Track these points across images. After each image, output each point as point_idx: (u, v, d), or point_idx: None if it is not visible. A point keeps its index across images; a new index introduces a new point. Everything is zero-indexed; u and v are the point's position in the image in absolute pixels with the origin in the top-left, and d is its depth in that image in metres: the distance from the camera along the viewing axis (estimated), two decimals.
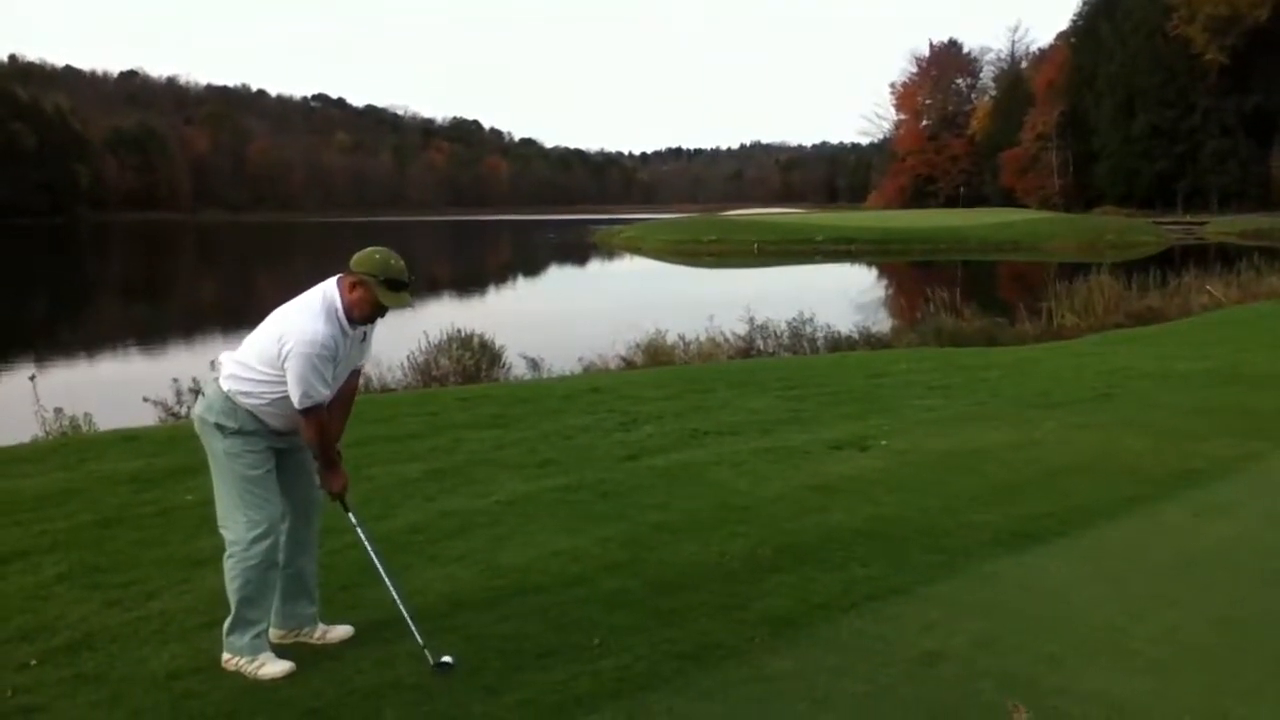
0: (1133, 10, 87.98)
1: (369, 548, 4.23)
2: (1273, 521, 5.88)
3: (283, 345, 3.90)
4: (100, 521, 5.89)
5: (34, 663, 4.01)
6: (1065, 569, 5.06)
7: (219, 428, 3.99)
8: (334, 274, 4.08)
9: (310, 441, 4.09)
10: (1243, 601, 4.64)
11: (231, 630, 3.97)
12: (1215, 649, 4.15)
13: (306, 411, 3.94)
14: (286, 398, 3.93)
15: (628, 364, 14.23)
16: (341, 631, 4.28)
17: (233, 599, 3.96)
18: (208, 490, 6.36)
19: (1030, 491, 6.45)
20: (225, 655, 3.98)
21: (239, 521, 3.97)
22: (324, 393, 3.96)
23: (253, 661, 3.93)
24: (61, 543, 5.50)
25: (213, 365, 4.18)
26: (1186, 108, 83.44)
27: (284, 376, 3.91)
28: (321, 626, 4.27)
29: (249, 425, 3.99)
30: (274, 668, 3.93)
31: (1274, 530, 5.71)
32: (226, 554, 4.00)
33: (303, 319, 3.93)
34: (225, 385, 4.00)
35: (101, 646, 4.17)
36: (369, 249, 4.02)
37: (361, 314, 4.02)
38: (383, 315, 4.08)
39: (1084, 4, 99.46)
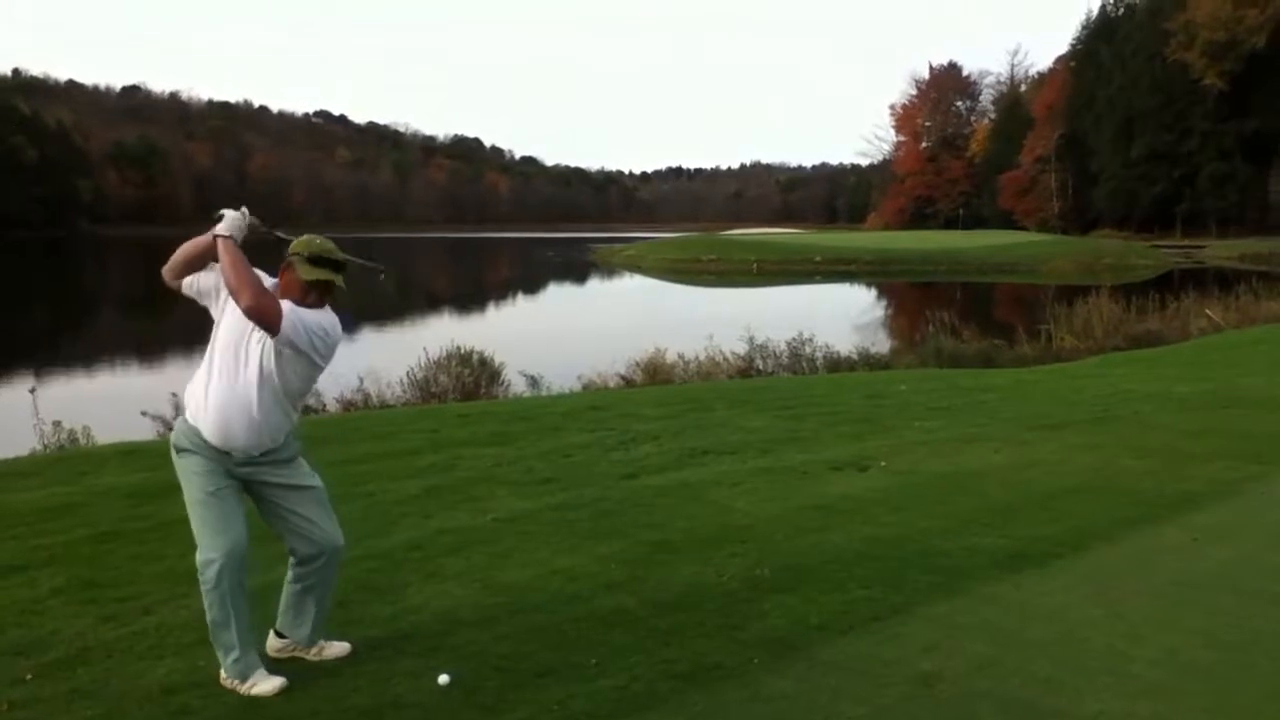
0: (1132, 34, 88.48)
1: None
2: (1272, 544, 5.86)
3: None
4: (97, 536, 5.88)
5: (30, 677, 4.00)
6: (1064, 591, 5.04)
7: (174, 448, 3.99)
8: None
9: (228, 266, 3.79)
10: (1243, 624, 4.63)
11: (218, 651, 3.94)
12: (1216, 671, 4.14)
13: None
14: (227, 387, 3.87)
15: (627, 382, 14.25)
16: (338, 649, 4.25)
17: (209, 621, 3.92)
18: None
19: (1029, 513, 6.45)
20: (223, 673, 3.96)
21: (200, 545, 3.89)
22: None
23: (244, 682, 3.90)
24: (58, 556, 5.49)
25: None
26: (1185, 132, 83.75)
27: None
28: (319, 643, 4.25)
29: (186, 444, 3.93)
30: (265, 685, 3.89)
31: (1274, 553, 5.69)
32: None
33: None
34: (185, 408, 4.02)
35: (98, 661, 4.15)
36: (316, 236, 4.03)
37: (290, 298, 3.92)
38: (318, 300, 3.96)
39: (1083, 28, 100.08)
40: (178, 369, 19.32)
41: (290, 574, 4.17)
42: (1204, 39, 79.47)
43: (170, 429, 10.38)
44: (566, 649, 4.30)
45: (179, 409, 10.58)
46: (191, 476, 3.91)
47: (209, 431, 3.88)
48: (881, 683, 4.01)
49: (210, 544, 3.85)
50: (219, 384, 3.88)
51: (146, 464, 7.76)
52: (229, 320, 3.91)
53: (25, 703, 3.79)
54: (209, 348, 3.97)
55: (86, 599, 4.84)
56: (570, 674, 4.06)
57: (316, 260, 3.94)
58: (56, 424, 9.96)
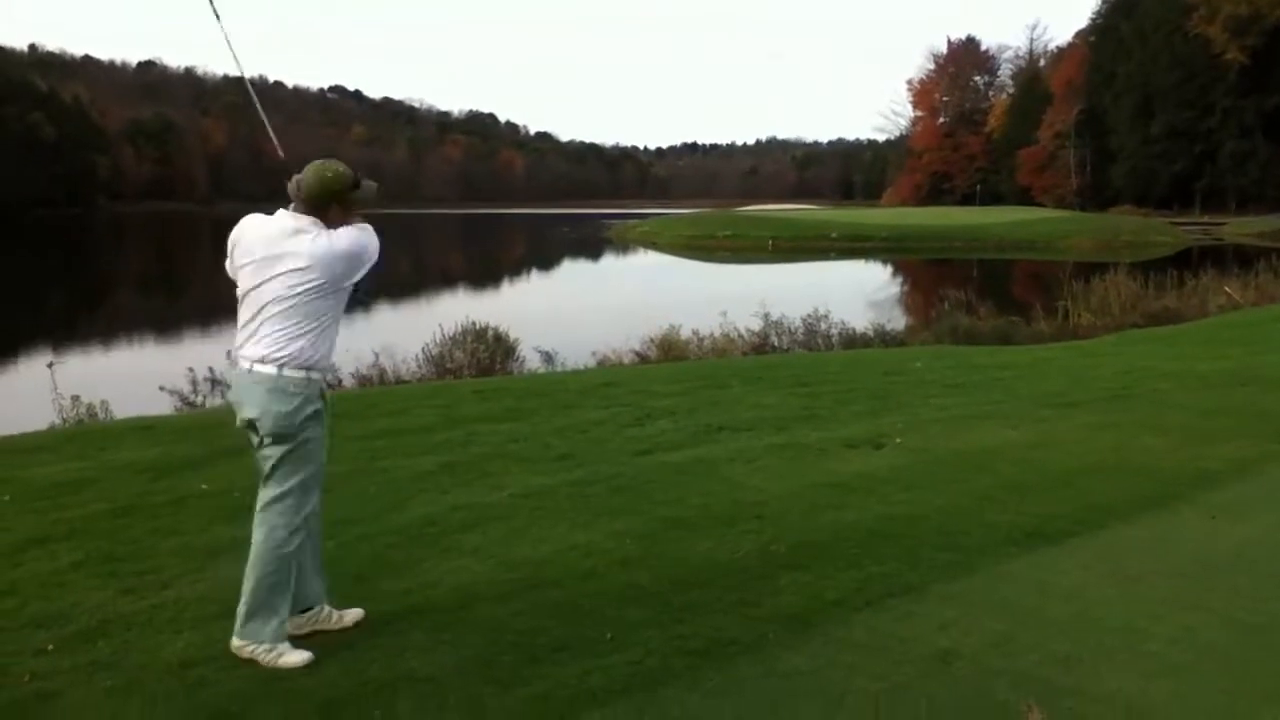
0: (1152, 9, 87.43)
1: None
2: None
3: (329, 243, 3.90)
4: (116, 510, 5.92)
5: (50, 649, 4.04)
6: (1081, 569, 5.02)
7: (314, 417, 3.98)
8: None
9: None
10: (1261, 604, 4.60)
11: (254, 617, 3.92)
12: (1233, 651, 4.12)
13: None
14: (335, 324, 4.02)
15: (641, 358, 14.24)
16: (354, 614, 4.30)
17: (263, 586, 3.92)
18: (222, 480, 6.43)
19: (1046, 491, 6.42)
20: (239, 642, 3.95)
21: (297, 510, 3.97)
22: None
23: (272, 650, 3.91)
24: (78, 530, 5.53)
25: (249, 379, 3.94)
26: (1205, 108, 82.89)
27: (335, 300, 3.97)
28: (336, 612, 4.27)
29: (318, 402, 4.01)
30: (293, 657, 3.91)
31: None
32: (265, 542, 3.94)
33: (324, 235, 3.95)
34: (291, 370, 3.90)
35: (117, 634, 4.19)
36: (313, 169, 4.00)
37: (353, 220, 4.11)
38: None
39: (1103, 2, 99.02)
40: (194, 344, 19.43)
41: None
42: (1226, 13, 78.51)
43: (188, 403, 10.50)
44: (581, 624, 4.31)
45: (196, 383, 10.57)
46: (321, 439, 4.06)
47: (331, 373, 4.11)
48: (897, 659, 4.00)
49: (311, 508, 4.02)
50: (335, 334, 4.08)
51: (164, 439, 7.81)
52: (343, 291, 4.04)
53: (46, 674, 3.83)
54: (321, 308, 3.95)
55: (106, 572, 4.88)
56: (585, 649, 4.06)
57: (356, 184, 4.05)
58: (75, 399, 10.02)
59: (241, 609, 3.96)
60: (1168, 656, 4.06)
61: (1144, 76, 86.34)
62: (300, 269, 3.86)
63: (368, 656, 4.00)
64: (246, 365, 3.94)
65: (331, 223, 3.96)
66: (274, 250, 3.91)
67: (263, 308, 3.92)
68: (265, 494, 4.01)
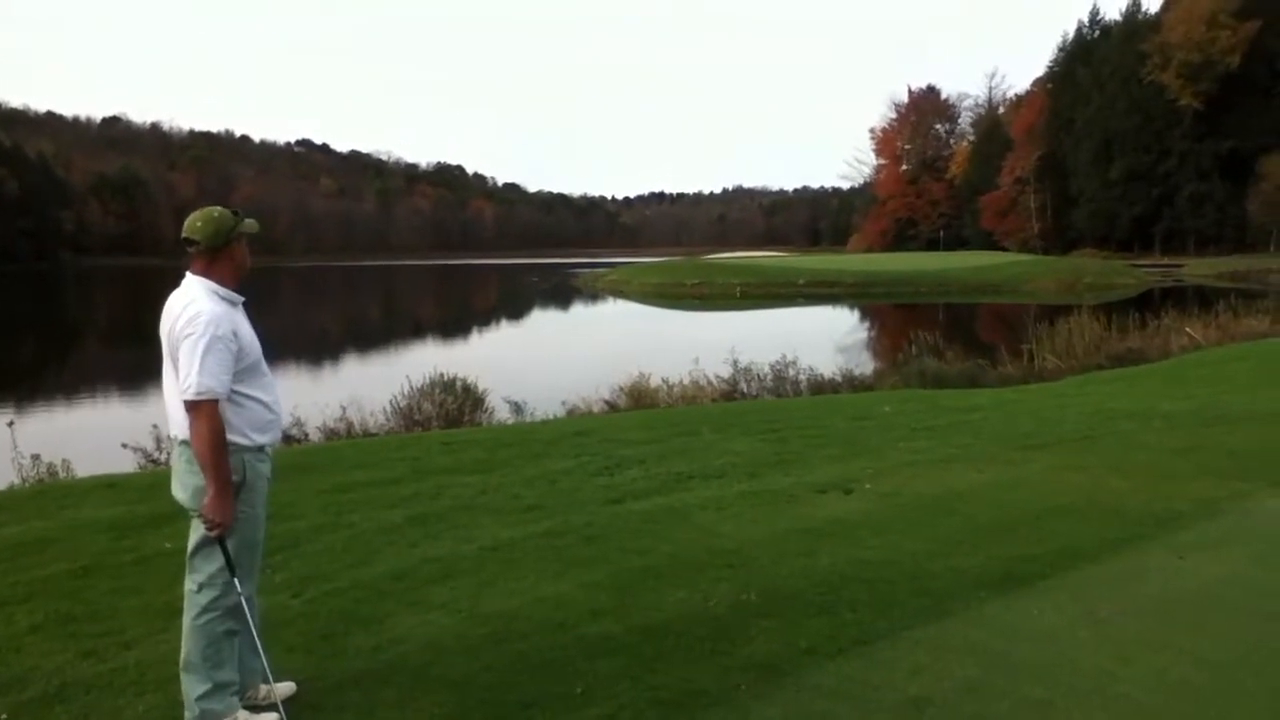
0: (1108, 56, 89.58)
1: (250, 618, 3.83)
2: (1258, 561, 5.87)
3: (185, 336, 3.63)
4: (77, 570, 5.80)
5: (5, 716, 3.93)
6: (1052, 612, 5.03)
7: (250, 483, 3.79)
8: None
9: (203, 447, 3.59)
10: (1231, 642, 4.62)
11: (202, 697, 3.73)
12: (1204, 690, 4.13)
13: (199, 405, 3.57)
14: (249, 401, 3.79)
15: (611, 407, 14.22)
16: (286, 688, 4.06)
17: (204, 666, 3.73)
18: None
19: (1016, 534, 6.43)
20: None
21: (226, 592, 3.74)
22: (223, 385, 3.63)
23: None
24: (37, 592, 5.41)
25: (175, 452, 3.83)
26: (1163, 152, 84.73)
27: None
28: (265, 687, 3.98)
29: (269, 466, 3.89)
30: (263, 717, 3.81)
31: (1260, 570, 5.70)
32: (204, 610, 3.76)
33: (191, 306, 3.68)
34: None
35: (76, 698, 4.09)
36: (201, 216, 3.80)
37: (245, 271, 3.90)
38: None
39: (1060, 50, 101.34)
40: (157, 401, 19.16)
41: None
42: (1179, 60, 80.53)
43: (152, 461, 10.35)
44: (552, 678, 4.26)
45: (160, 441, 10.41)
46: (265, 502, 3.92)
47: (277, 433, 3.95)
48: (870, 707, 3.98)
49: (235, 594, 3.77)
50: (273, 388, 3.96)
51: (127, 497, 7.69)
52: (256, 345, 3.88)
53: None
54: (240, 369, 3.76)
55: (65, 634, 4.77)
56: (556, 704, 4.01)
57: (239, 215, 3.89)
58: (35, 457, 9.86)
59: (186, 692, 3.77)
60: (1139, 698, 4.06)
61: (1102, 122, 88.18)
62: (188, 333, 3.65)
63: (336, 717, 3.93)
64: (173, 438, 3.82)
65: (241, 259, 3.87)
66: (170, 318, 3.74)
67: (170, 378, 3.76)
68: (192, 575, 3.80)
